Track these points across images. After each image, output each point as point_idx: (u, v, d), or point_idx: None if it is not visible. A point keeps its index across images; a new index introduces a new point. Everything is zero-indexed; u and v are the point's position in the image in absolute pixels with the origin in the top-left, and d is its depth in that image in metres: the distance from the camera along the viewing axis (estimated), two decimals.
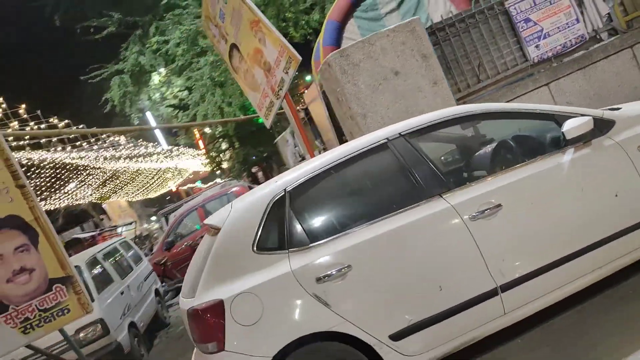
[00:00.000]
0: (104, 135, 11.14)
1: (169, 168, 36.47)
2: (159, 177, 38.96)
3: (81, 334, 6.32)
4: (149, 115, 25.48)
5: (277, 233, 2.96)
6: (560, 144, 3.17)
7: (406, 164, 3.08)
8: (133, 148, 14.47)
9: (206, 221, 3.32)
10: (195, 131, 27.44)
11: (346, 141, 6.84)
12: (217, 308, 2.81)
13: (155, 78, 18.97)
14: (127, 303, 7.44)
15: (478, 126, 3.53)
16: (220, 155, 24.85)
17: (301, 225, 2.98)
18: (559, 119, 3.19)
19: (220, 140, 25.98)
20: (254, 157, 24.51)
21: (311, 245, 2.91)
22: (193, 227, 12.04)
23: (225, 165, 26.58)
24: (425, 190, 3.02)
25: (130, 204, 45.00)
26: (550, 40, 5.31)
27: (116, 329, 6.69)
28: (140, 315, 7.80)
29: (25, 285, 4.31)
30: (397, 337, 2.86)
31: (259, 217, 2.98)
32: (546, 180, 3.06)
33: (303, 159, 12.92)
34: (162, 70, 17.55)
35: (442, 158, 3.33)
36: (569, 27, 5.33)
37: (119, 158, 18.16)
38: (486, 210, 2.96)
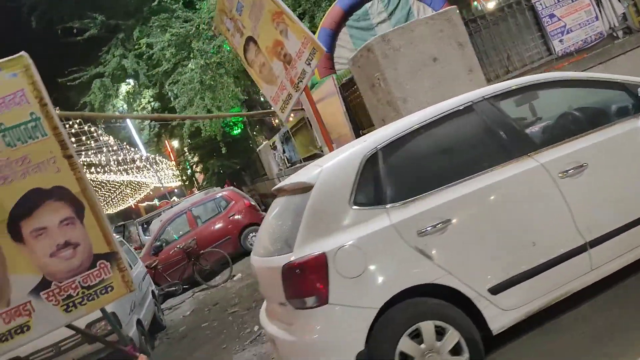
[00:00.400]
0: (97, 133, 10.82)
1: (132, 182, 35.47)
2: (120, 192, 37.78)
3: (92, 329, 6.06)
4: (129, 121, 24.84)
5: (372, 189, 2.97)
6: (629, 112, 3.33)
7: (493, 125, 3.15)
8: (116, 152, 14.06)
9: (291, 180, 3.26)
10: (166, 142, 26.93)
11: (368, 132, 6.90)
12: (320, 261, 2.77)
13: (124, 88, 18.61)
14: (132, 300, 7.18)
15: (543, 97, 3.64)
16: (192, 167, 24.44)
17: (396, 182, 3.00)
18: (630, 88, 3.35)
19: (192, 152, 25.61)
20: (221, 171, 24.20)
21: (408, 200, 2.93)
22: (179, 232, 11.82)
23: (197, 177, 26.12)
24: (514, 149, 3.10)
25: None
26: (572, 35, 5.59)
27: (126, 324, 6.44)
28: (144, 313, 7.55)
29: (69, 261, 4.10)
30: (495, 290, 2.89)
31: (354, 173, 2.98)
32: (626, 141, 3.20)
33: (292, 165, 12.89)
34: (131, 81, 17.24)
35: (523, 121, 3.43)
36: (589, 24, 5.62)
37: (90, 166, 17.66)
38: (573, 169, 3.06)
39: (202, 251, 10.50)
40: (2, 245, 3.83)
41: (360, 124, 7.06)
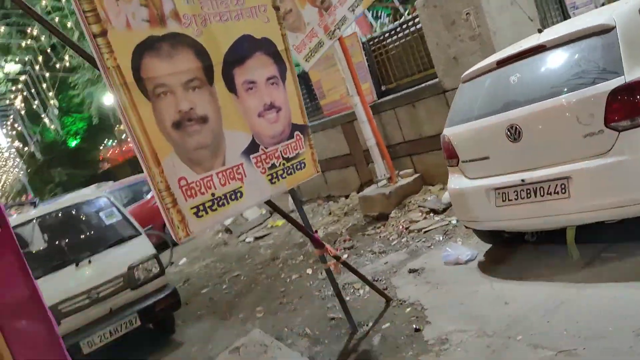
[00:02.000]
0: None
1: None
2: None
3: (136, 272, 5.11)
4: None
5: None
6: None
7: None
8: None
9: (585, 25, 3.42)
10: None
11: (386, 90, 7.15)
12: None
13: None
14: None
15: None
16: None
17: None
18: None
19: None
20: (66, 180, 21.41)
21: None
22: None
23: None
24: None
25: None
26: (579, 10, 6.80)
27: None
28: None
29: (273, 125, 3.53)
30: None
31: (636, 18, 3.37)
32: None
33: None
34: None
35: None
36: (587, 5, 6.92)
37: None
38: None
39: None
40: (218, 91, 3.20)
41: (383, 79, 7.30)
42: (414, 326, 3.60)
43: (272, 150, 3.50)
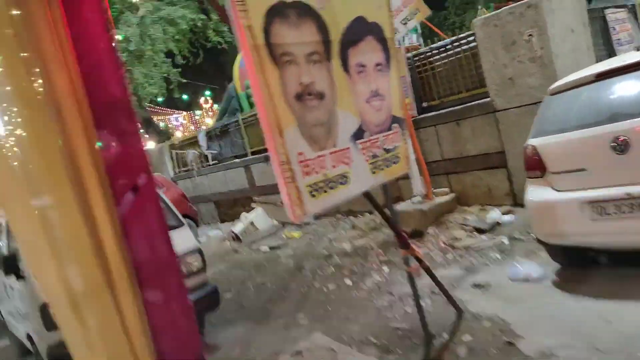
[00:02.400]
0: None
1: None
2: None
3: (182, 264, 4.79)
4: None
5: None
6: None
7: None
8: None
9: None
10: None
11: (428, 107, 7.06)
12: None
13: None
14: None
15: None
16: None
17: None
18: None
19: None
20: None
21: None
22: None
23: None
24: None
25: None
26: (623, 48, 6.89)
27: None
28: None
29: (377, 113, 3.36)
30: None
31: None
32: None
33: (219, 162, 11.83)
34: None
35: None
36: (630, 43, 7.02)
37: None
38: None
39: None
40: (334, 69, 3.03)
41: (425, 95, 7.22)
42: (505, 339, 3.40)
43: (375, 139, 3.32)
